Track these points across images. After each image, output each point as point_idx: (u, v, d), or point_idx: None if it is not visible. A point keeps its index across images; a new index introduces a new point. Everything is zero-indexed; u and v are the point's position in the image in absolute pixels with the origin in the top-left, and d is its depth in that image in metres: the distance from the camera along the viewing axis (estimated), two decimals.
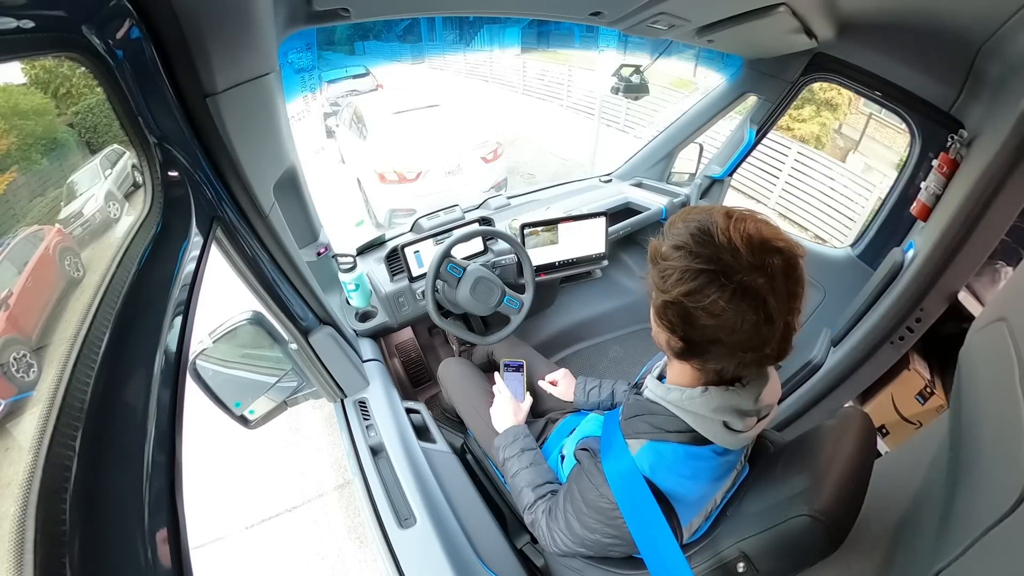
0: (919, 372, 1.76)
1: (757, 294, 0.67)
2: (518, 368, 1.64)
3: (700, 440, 0.84)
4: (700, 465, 0.85)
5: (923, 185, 1.51)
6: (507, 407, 1.45)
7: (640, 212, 2.44)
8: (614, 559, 1.10)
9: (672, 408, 0.86)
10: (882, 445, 1.86)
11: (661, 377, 0.96)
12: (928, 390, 1.74)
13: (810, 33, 1.55)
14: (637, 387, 1.09)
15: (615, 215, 2.36)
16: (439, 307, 1.81)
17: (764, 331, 0.70)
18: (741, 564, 0.81)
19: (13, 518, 0.38)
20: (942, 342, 1.73)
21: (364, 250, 2.09)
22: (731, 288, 0.67)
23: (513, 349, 1.88)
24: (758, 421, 0.86)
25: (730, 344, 0.72)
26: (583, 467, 0.99)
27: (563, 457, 1.28)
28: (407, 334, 2.53)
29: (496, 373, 1.57)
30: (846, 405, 1.75)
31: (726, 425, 0.82)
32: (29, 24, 0.47)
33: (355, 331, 1.85)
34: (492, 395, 1.55)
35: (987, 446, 0.60)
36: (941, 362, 1.84)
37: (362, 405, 1.56)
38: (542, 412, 1.65)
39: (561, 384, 1.59)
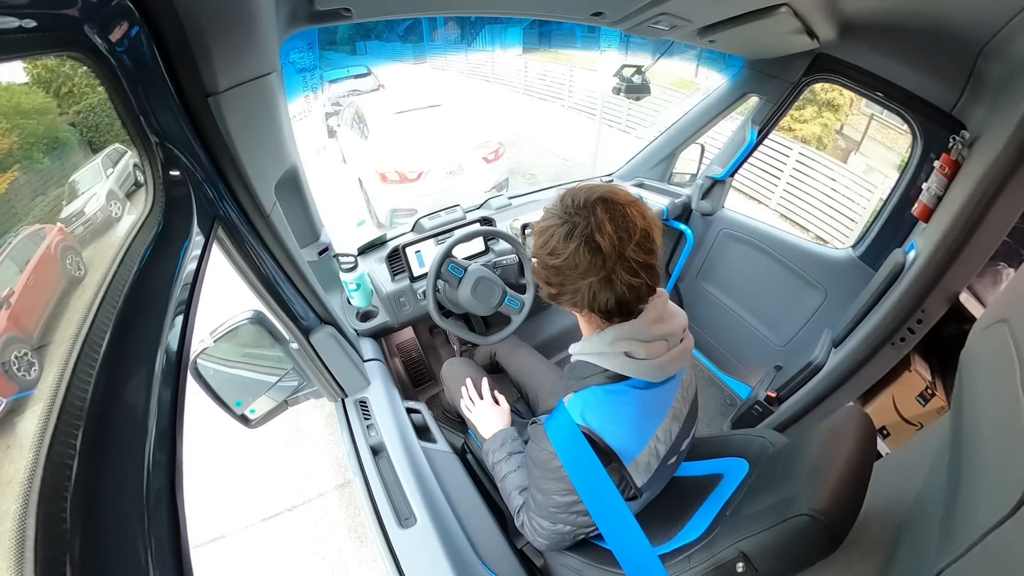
0: (920, 373, 1.76)
1: (583, 232, 0.83)
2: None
3: (615, 377, 0.92)
4: (622, 399, 0.91)
5: (924, 186, 1.51)
6: (489, 413, 1.45)
7: None
8: (613, 559, 1.10)
9: (583, 358, 0.95)
10: (883, 446, 1.86)
11: None
12: (929, 391, 1.74)
13: (812, 34, 1.55)
14: None
15: None
16: (440, 307, 1.81)
17: (595, 260, 0.82)
18: (740, 564, 0.80)
19: (14, 516, 0.38)
20: (943, 343, 1.73)
21: (365, 250, 2.09)
22: (563, 232, 0.85)
23: (513, 352, 1.88)
24: (670, 348, 0.93)
25: (573, 276, 0.85)
26: (530, 436, 1.03)
27: None
28: (408, 334, 2.54)
29: (462, 388, 1.57)
30: (847, 406, 1.75)
31: (628, 355, 0.89)
32: (31, 24, 0.47)
33: (356, 331, 1.85)
34: (491, 388, 1.56)
35: (988, 448, 0.59)
36: (942, 363, 1.84)
37: (363, 405, 1.56)
38: (542, 412, 1.65)
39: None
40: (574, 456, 0.89)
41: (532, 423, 1.14)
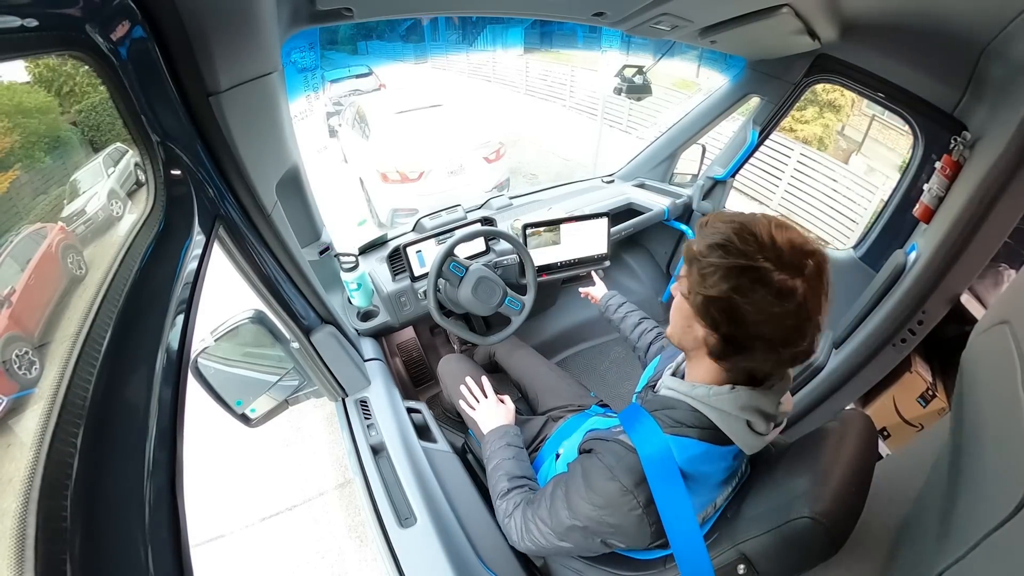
0: (921, 375, 1.76)
1: (795, 292, 0.70)
2: None
3: (720, 440, 0.84)
4: (717, 464, 0.86)
5: (926, 187, 1.51)
6: (493, 411, 1.44)
7: (642, 213, 2.43)
8: (614, 561, 1.10)
9: (696, 404, 0.85)
10: (883, 448, 1.86)
11: (676, 376, 0.96)
12: (930, 393, 1.74)
13: (813, 34, 1.55)
14: (651, 387, 1.09)
15: (617, 216, 2.36)
16: (441, 307, 1.81)
17: (803, 330, 0.73)
18: (742, 566, 0.80)
19: (14, 514, 0.38)
20: (944, 345, 1.73)
21: (366, 249, 2.09)
22: (776, 285, 0.70)
23: (512, 351, 1.89)
24: (774, 427, 0.87)
25: (772, 341, 0.74)
26: (595, 452, 0.93)
27: (558, 456, 1.28)
28: (409, 333, 2.54)
29: (462, 387, 1.56)
30: (847, 407, 1.75)
31: (749, 426, 0.82)
32: (33, 23, 0.47)
33: (357, 330, 1.85)
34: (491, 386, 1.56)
35: (989, 449, 0.59)
36: (943, 365, 1.84)
37: (363, 404, 1.56)
38: (542, 411, 1.65)
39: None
40: (669, 495, 0.81)
41: (598, 439, 0.98)
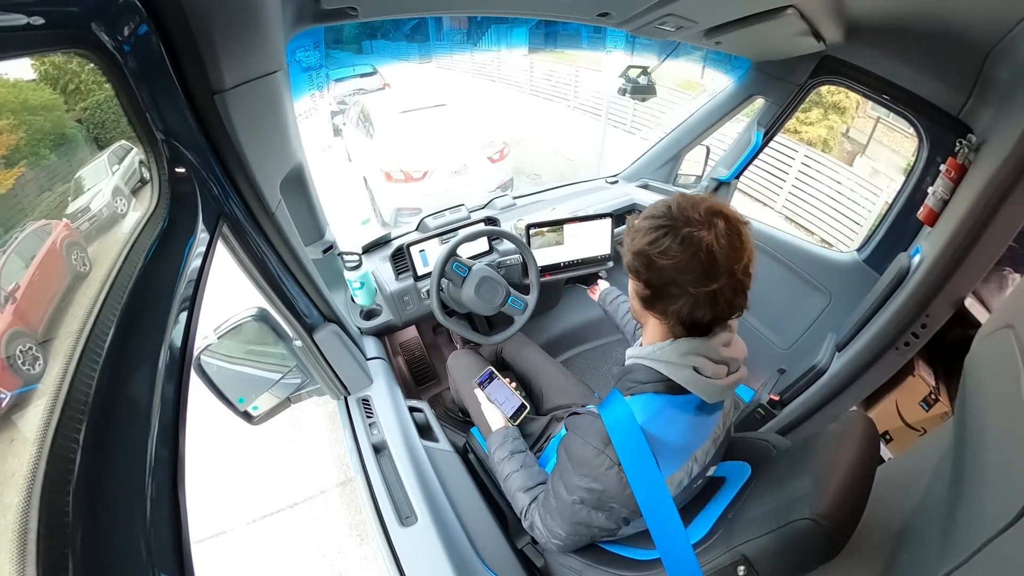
0: (924, 378, 1.75)
1: (702, 241, 0.81)
2: (490, 378, 1.56)
3: (675, 389, 0.91)
4: (677, 413, 0.92)
5: (930, 190, 1.50)
6: (497, 414, 1.45)
7: None
8: (614, 561, 1.10)
9: (647, 362, 0.94)
10: (885, 451, 1.85)
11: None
12: (933, 397, 1.73)
13: (818, 36, 1.55)
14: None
15: (621, 216, 2.35)
16: (444, 306, 1.81)
17: (711, 272, 0.82)
18: (742, 568, 0.80)
19: (17, 509, 0.38)
20: (948, 349, 1.72)
21: (370, 248, 2.09)
22: (681, 236, 0.83)
23: (519, 349, 1.89)
24: (728, 374, 0.93)
25: (683, 282, 0.84)
26: (569, 427, 1.02)
27: None
28: (411, 333, 2.54)
29: (478, 390, 1.54)
30: (850, 410, 1.75)
31: (696, 370, 0.89)
32: (40, 21, 0.47)
33: (359, 329, 1.85)
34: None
35: (992, 454, 0.59)
36: (946, 369, 1.83)
37: (365, 403, 1.56)
38: (547, 410, 1.65)
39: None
40: (632, 450, 0.88)
41: (573, 414, 1.10)
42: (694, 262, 0.82)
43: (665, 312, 0.90)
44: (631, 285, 0.97)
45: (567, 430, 1.04)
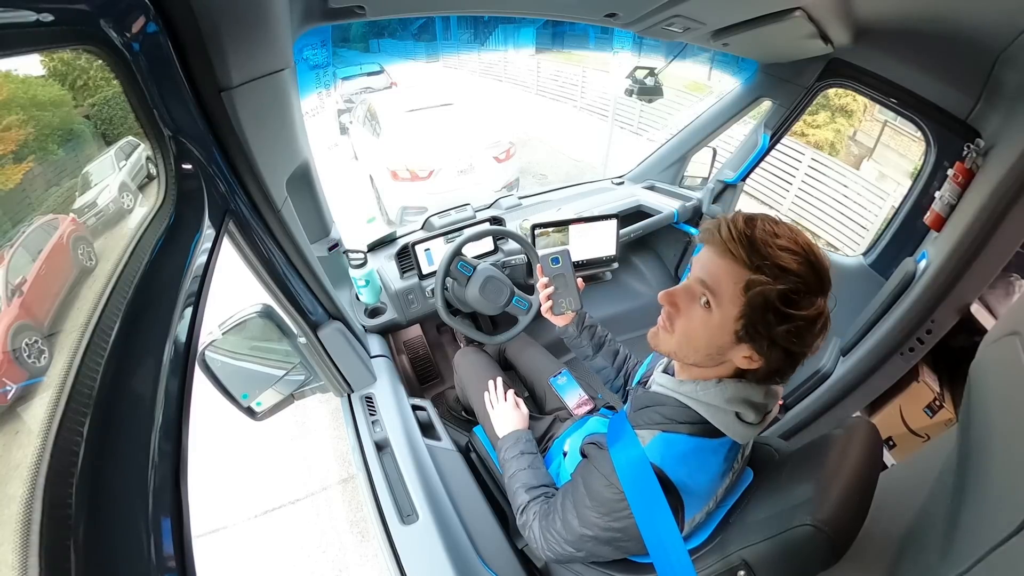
0: (928, 385, 1.74)
1: (820, 308, 0.74)
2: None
3: (711, 432, 0.85)
4: (710, 458, 0.86)
5: (937, 194, 1.49)
6: (510, 415, 1.43)
7: (652, 215, 2.43)
8: (614, 562, 1.10)
9: (684, 399, 0.87)
10: (888, 457, 1.84)
11: (667, 372, 0.97)
12: (937, 403, 1.73)
13: (826, 38, 1.54)
14: (643, 384, 1.10)
15: (627, 218, 2.35)
16: (448, 305, 1.81)
17: (819, 335, 0.76)
18: (742, 572, 0.80)
19: (21, 500, 0.38)
20: (953, 355, 1.71)
21: (375, 247, 2.10)
22: (822, 323, 0.75)
23: (523, 349, 1.89)
24: (764, 416, 0.87)
25: (801, 355, 0.78)
26: (591, 459, 0.97)
27: (566, 454, 1.28)
28: (415, 331, 2.54)
29: (491, 383, 1.55)
30: (854, 415, 1.74)
31: (738, 416, 0.83)
32: (49, 18, 0.48)
33: (364, 327, 1.86)
34: (507, 388, 1.55)
35: (996, 462, 0.59)
36: (951, 375, 1.82)
37: (368, 401, 1.56)
38: (550, 410, 1.65)
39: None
40: (642, 496, 0.83)
41: (591, 443, 1.01)
42: (813, 327, 0.75)
43: (749, 363, 0.80)
44: (731, 353, 0.81)
45: (584, 457, 1.00)
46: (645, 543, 0.83)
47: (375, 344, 1.80)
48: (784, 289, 0.72)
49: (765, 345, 0.77)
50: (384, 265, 2.01)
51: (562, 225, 2.03)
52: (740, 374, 0.84)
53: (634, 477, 0.84)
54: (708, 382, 0.85)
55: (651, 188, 2.68)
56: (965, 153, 1.41)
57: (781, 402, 1.86)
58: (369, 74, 10.64)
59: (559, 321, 1.37)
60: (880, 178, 7.07)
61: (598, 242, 2.10)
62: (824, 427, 1.78)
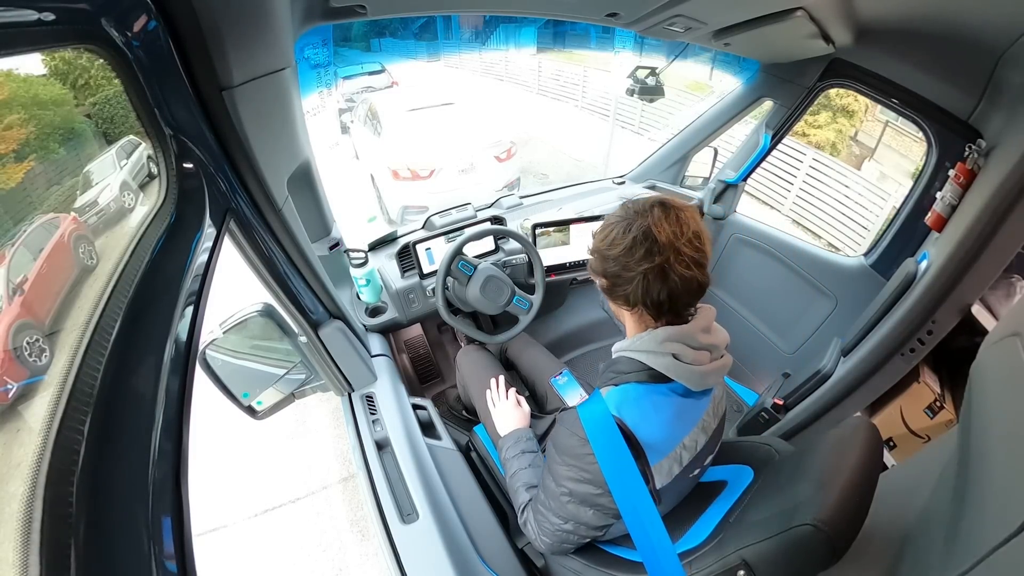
0: (929, 385, 1.74)
1: (641, 226, 0.90)
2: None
3: (657, 378, 0.94)
4: (660, 400, 0.94)
5: (939, 195, 1.49)
6: (511, 413, 1.45)
7: None
8: (612, 562, 1.10)
9: (628, 354, 0.98)
10: (889, 458, 1.84)
11: None
12: (937, 404, 1.72)
13: (827, 38, 1.54)
14: None
15: None
16: (449, 304, 1.81)
17: (652, 249, 0.88)
18: (742, 572, 0.80)
19: (21, 498, 0.38)
20: (953, 356, 1.71)
21: (376, 246, 2.10)
22: (623, 226, 0.92)
23: (524, 348, 1.89)
24: (712, 360, 0.95)
25: (631, 264, 0.90)
26: (560, 421, 1.04)
27: None
28: (416, 330, 2.54)
29: (493, 381, 1.56)
30: (854, 416, 1.74)
31: (675, 357, 0.92)
32: (50, 17, 0.48)
33: (364, 326, 1.86)
34: (509, 386, 1.56)
35: (996, 463, 0.59)
36: (952, 376, 1.82)
37: (369, 400, 1.56)
38: (550, 410, 1.65)
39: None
40: (605, 444, 0.90)
41: (562, 410, 1.17)
42: (635, 244, 0.89)
43: (626, 298, 0.94)
44: (597, 283, 1.02)
45: (557, 424, 1.06)
46: (608, 484, 0.89)
47: (376, 343, 1.80)
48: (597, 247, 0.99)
49: (592, 261, 1.01)
50: (385, 264, 2.01)
51: (563, 225, 2.04)
52: (663, 319, 0.96)
53: (594, 424, 0.92)
54: (643, 334, 0.96)
55: (652, 188, 2.67)
56: (967, 154, 1.41)
57: (780, 401, 1.86)
58: (370, 73, 10.64)
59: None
60: (881, 178, 7.06)
61: None
62: (824, 428, 1.78)
